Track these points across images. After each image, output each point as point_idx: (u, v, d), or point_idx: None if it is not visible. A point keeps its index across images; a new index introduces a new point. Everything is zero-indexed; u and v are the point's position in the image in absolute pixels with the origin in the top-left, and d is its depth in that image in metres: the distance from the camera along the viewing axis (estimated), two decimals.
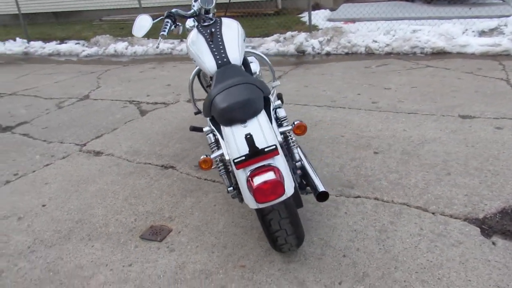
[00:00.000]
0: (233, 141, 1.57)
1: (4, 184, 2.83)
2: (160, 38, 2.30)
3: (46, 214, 2.43)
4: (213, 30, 2.37)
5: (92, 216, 2.37)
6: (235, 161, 1.49)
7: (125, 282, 1.85)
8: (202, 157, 1.62)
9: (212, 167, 1.75)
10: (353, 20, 6.52)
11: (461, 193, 2.21)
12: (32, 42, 8.13)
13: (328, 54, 5.80)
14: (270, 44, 6.20)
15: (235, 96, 1.66)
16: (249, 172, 1.50)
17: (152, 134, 3.43)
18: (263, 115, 1.64)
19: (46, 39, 8.28)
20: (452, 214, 2.05)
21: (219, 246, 2.02)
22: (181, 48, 6.82)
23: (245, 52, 2.82)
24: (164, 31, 2.28)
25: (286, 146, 1.90)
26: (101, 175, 2.82)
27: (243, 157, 1.49)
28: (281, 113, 1.91)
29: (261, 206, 1.48)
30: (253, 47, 6.29)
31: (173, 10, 2.40)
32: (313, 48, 5.91)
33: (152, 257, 1.99)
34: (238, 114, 1.61)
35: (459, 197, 2.18)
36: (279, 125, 1.88)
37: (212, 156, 1.65)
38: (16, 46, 8.14)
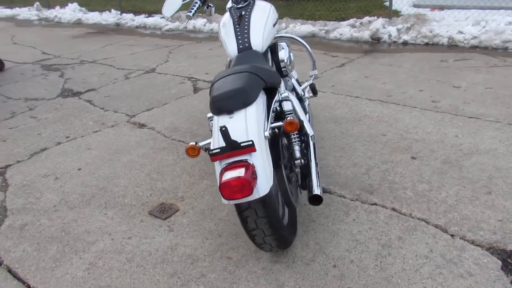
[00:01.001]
0: (216, 132, 1.52)
1: (55, 145, 3.10)
2: (187, 19, 2.29)
3: (78, 178, 2.62)
4: (243, 13, 2.29)
5: (115, 186, 2.50)
6: (210, 152, 1.44)
7: (119, 253, 1.93)
8: (191, 143, 1.60)
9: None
10: (441, 7, 5.91)
11: (494, 217, 1.92)
12: (124, 14, 8.71)
13: (405, 43, 5.35)
14: (344, 29, 5.90)
15: (228, 85, 1.60)
16: (224, 165, 1.45)
17: (195, 112, 3.49)
18: (254, 107, 1.56)
19: (137, 12, 8.81)
20: (474, 240, 1.79)
21: (215, 234, 2.00)
22: None
23: (282, 37, 2.71)
24: (190, 12, 2.26)
25: (287, 142, 1.80)
26: (137, 147, 2.95)
27: (218, 150, 1.43)
28: (287, 106, 1.80)
29: (230, 202, 1.42)
30: (327, 31, 6.04)
31: None
32: (390, 36, 5.49)
33: (151, 233, 2.05)
34: (225, 104, 1.54)
35: (490, 222, 1.89)
36: (283, 119, 1.78)
37: (201, 144, 1.61)
38: (110, 17, 8.79)
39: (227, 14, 2.34)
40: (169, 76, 4.63)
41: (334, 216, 2.03)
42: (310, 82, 2.76)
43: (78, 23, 9.18)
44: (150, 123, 3.36)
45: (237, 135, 1.47)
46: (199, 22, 7.34)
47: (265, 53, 2.25)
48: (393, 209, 2.04)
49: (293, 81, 2.63)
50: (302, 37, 6.12)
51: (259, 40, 2.13)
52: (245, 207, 1.52)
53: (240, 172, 1.37)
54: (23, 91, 4.43)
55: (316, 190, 1.70)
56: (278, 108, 1.76)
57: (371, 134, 2.83)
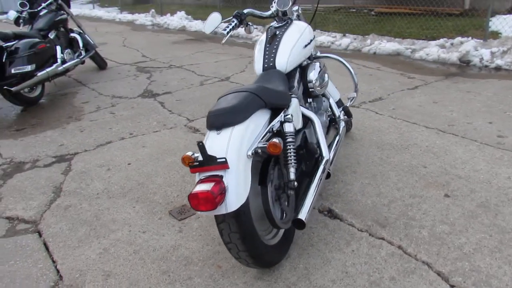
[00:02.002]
0: None
1: (119, 139, 3.49)
2: (225, 35, 2.43)
3: (125, 171, 2.92)
4: (277, 32, 2.36)
5: (151, 183, 2.74)
6: (190, 164, 1.55)
7: (130, 244, 2.14)
8: (187, 153, 1.70)
9: None
10: None
11: (511, 275, 1.70)
12: (222, 24, 9.23)
13: (498, 68, 4.85)
14: (432, 49, 5.54)
15: (224, 103, 1.68)
16: (201, 178, 1.54)
17: None
18: (243, 126, 1.61)
19: None
20: None
21: (216, 241, 2.10)
22: (340, 43, 6.72)
23: (328, 57, 2.71)
24: (225, 30, 2.39)
25: (284, 162, 1.82)
26: (183, 150, 3.18)
27: (197, 163, 1.53)
28: (288, 128, 1.82)
29: (199, 212, 1.51)
30: (413, 51, 5.74)
31: (246, 10, 2.48)
32: (481, 59, 5.02)
33: (162, 231, 2.22)
34: (215, 121, 1.63)
35: (503, 279, 1.68)
36: (284, 140, 1.81)
37: (196, 155, 1.72)
38: None
39: (265, 33, 2.43)
40: (239, 86, 4.83)
41: (334, 244, 1.99)
42: (348, 104, 2.71)
43: (182, 30, 10.00)
44: (204, 128, 3.58)
45: (217, 151, 1.55)
46: None
47: (292, 73, 2.28)
48: (399, 247, 1.92)
49: (331, 101, 2.61)
50: (386, 55, 5.91)
51: (283, 61, 2.18)
52: (221, 220, 1.60)
53: (209, 186, 1.45)
54: (113, 89, 5.02)
55: (302, 215, 1.70)
56: (275, 129, 1.79)
57: (411, 164, 2.67)
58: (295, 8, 2.64)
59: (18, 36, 4.27)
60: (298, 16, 2.65)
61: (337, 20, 7.95)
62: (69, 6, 5.49)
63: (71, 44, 5.34)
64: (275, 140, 1.59)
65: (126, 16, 13.04)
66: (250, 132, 1.64)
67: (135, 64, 6.35)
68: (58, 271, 1.99)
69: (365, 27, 7.20)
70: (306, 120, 2.21)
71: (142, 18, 11.99)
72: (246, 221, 1.59)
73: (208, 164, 1.51)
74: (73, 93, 4.92)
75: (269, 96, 1.78)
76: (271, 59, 2.21)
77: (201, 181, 1.52)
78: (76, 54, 5.25)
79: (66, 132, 3.69)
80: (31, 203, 2.59)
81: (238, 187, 1.51)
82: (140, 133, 3.59)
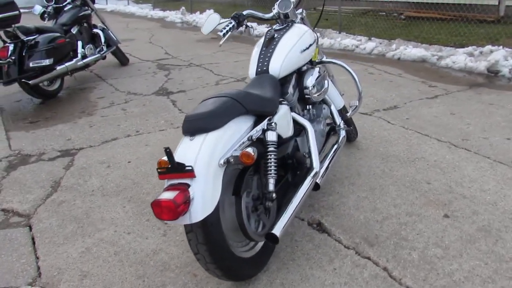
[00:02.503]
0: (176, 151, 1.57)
1: (124, 137, 3.50)
2: (222, 37, 2.38)
3: (124, 169, 2.92)
4: (275, 35, 2.29)
5: (147, 183, 2.73)
6: (158, 170, 1.50)
7: (112, 244, 2.12)
8: (163, 158, 1.66)
9: None
10: None
11: None
12: (249, 23, 9.20)
13: None
14: (459, 57, 5.28)
15: (201, 108, 1.63)
16: (168, 185, 1.49)
17: None
18: (217, 133, 1.55)
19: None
20: None
21: None
22: (365, 46, 6.53)
23: (334, 62, 2.61)
24: (222, 31, 2.34)
25: (264, 172, 1.74)
26: None
27: (164, 169, 1.48)
28: (270, 136, 1.74)
29: (163, 221, 1.46)
30: (439, 58, 5.49)
31: (245, 12, 2.42)
32: (511, 70, 4.74)
33: (147, 233, 2.19)
34: (189, 127, 1.58)
35: None
36: (265, 149, 1.73)
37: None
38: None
39: (263, 36, 2.36)
40: None
41: (316, 260, 1.89)
42: (349, 113, 2.60)
43: None
44: None
45: (188, 158, 1.50)
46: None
47: (288, 78, 2.19)
48: (384, 269, 1.81)
49: (332, 109, 2.51)
50: (410, 62, 5.69)
51: (277, 66, 2.11)
52: (189, 230, 1.54)
53: (172, 194, 1.40)
54: (130, 85, 5.07)
55: (276, 229, 1.62)
56: (256, 137, 1.71)
57: (414, 179, 2.52)
58: (299, 11, 2.55)
59: (40, 30, 4.37)
60: (302, 19, 2.56)
61: (364, 23, 7.75)
62: (93, 2, 5.59)
63: (93, 40, 5.43)
64: (249, 149, 1.52)
65: (158, 13, 13.22)
66: (225, 140, 1.58)
67: (157, 61, 6.40)
68: (38, 267, 2.00)
69: (392, 31, 6.97)
70: (300, 128, 2.13)
71: (173, 15, 12.11)
72: (215, 232, 1.53)
73: (174, 171, 1.46)
74: (91, 88, 5.01)
75: (250, 102, 1.71)
76: (265, 63, 2.13)
77: (167, 188, 1.47)
78: (98, 50, 5.34)
79: (76, 127, 3.74)
80: (28, 196, 2.62)
81: (204, 197, 1.45)
82: (146, 131, 3.59)
